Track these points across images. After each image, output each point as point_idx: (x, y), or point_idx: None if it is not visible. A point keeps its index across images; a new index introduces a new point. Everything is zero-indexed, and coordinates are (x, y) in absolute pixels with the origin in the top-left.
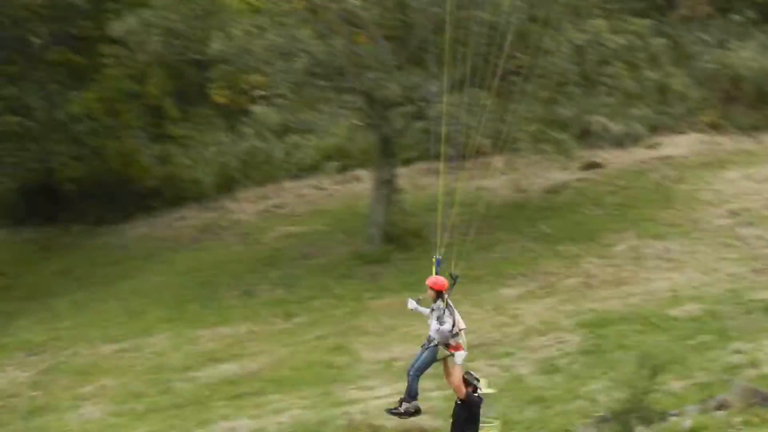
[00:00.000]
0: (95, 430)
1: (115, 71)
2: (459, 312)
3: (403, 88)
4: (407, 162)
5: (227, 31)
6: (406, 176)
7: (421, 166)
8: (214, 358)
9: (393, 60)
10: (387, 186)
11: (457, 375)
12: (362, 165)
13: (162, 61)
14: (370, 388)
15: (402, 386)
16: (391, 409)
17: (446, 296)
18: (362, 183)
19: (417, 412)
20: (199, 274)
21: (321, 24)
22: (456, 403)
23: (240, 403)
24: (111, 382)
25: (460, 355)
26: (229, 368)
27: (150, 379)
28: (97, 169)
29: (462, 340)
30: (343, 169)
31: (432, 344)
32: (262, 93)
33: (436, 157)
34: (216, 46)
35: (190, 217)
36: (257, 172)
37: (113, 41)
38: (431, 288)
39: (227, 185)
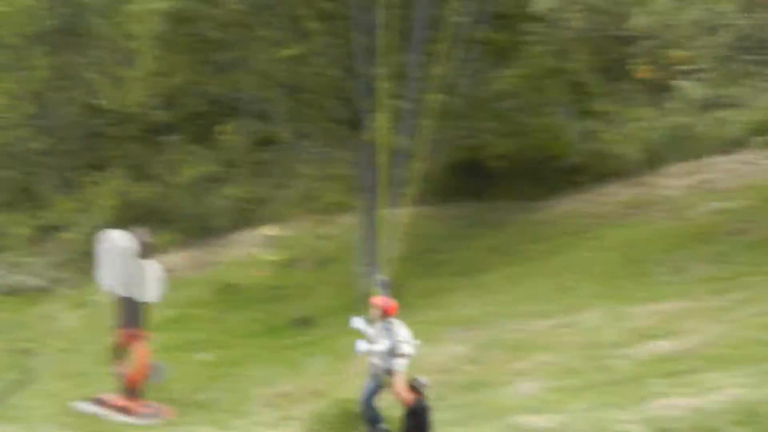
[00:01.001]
0: (532, 405)
1: (538, 48)
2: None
3: None
4: None
5: (650, 6)
6: None
7: None
8: (647, 335)
9: None
10: None
11: (400, 382)
12: None
13: (584, 37)
14: None
15: None
16: None
17: (390, 319)
18: None
19: None
20: (627, 250)
21: None
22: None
23: (675, 381)
24: (546, 358)
25: (399, 363)
26: (662, 345)
27: (585, 356)
28: (522, 145)
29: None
30: None
31: (374, 370)
32: (686, 68)
33: None
34: (638, 21)
35: (616, 193)
36: (683, 147)
37: (535, 19)
38: (382, 309)
39: (652, 161)
